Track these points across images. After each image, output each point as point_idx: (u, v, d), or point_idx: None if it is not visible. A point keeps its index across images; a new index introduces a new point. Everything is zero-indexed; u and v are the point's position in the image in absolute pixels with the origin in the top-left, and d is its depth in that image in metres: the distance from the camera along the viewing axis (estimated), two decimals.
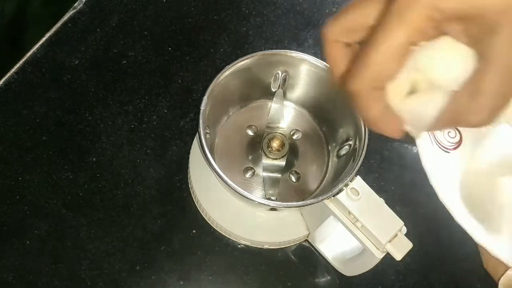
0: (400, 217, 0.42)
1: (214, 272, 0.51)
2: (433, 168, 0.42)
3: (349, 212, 0.43)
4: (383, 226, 0.42)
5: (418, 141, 0.42)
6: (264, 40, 0.62)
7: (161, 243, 0.52)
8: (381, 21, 0.30)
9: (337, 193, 0.43)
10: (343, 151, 0.50)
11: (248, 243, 0.51)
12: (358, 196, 0.43)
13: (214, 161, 0.44)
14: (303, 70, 0.50)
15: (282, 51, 0.48)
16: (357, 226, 0.43)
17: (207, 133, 0.47)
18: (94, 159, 0.54)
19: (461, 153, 0.45)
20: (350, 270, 0.51)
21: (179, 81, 0.58)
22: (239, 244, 0.52)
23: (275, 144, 0.49)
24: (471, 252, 0.54)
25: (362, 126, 0.46)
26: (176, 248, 0.52)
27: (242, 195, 0.44)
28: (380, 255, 0.43)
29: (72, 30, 0.59)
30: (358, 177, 0.44)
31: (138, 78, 0.58)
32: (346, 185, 0.43)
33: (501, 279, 0.35)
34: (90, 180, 0.53)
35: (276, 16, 0.64)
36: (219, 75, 0.46)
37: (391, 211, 0.43)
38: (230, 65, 0.47)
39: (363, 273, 0.50)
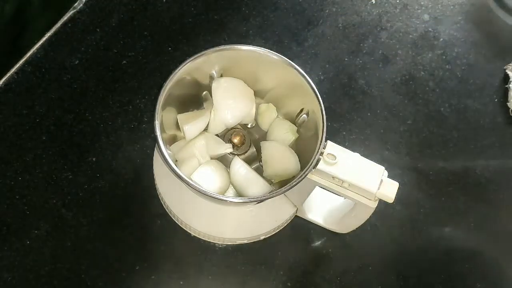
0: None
1: (214, 272, 0.51)
2: None
3: (333, 177, 0.43)
4: (368, 177, 0.43)
5: None
6: (264, 40, 0.62)
7: (161, 243, 0.52)
8: None
9: (316, 164, 0.43)
10: (301, 121, 0.50)
11: (245, 241, 0.51)
12: (335, 159, 0.43)
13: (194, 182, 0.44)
14: (238, 61, 0.49)
15: (211, 50, 0.47)
16: (345, 187, 0.44)
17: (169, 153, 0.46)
18: (94, 159, 0.54)
19: None
20: (346, 227, 0.52)
21: None
22: (238, 244, 0.52)
23: (236, 140, 0.49)
24: (470, 252, 0.54)
25: (312, 91, 0.46)
26: (176, 248, 0.52)
27: (230, 201, 0.44)
28: (373, 205, 0.44)
29: (72, 30, 0.59)
30: (329, 142, 0.44)
31: (138, 78, 0.58)
32: (321, 153, 0.44)
33: None
34: (90, 180, 0.53)
35: (276, 16, 0.64)
36: (161, 91, 0.45)
37: (368, 161, 0.44)
38: (166, 82, 0.46)
39: (363, 275, 0.50)
